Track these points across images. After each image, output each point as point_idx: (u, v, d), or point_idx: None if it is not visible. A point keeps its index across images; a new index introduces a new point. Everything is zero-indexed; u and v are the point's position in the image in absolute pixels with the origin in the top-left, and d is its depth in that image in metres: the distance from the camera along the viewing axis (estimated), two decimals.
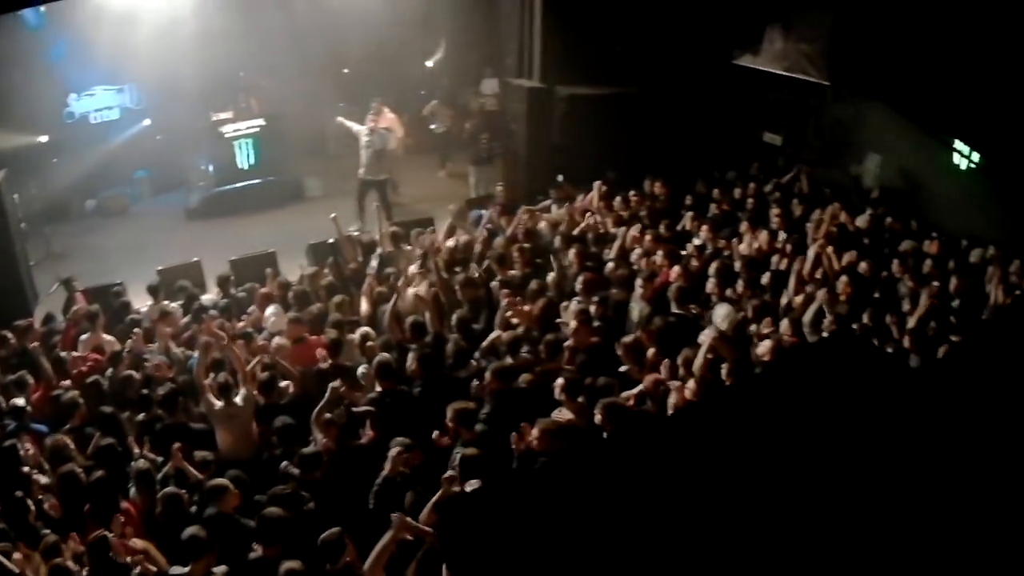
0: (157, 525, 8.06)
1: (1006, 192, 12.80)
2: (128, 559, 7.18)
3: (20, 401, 10.19)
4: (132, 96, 20.08)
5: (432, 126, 20.37)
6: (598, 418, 7.98)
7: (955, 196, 13.44)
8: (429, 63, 21.34)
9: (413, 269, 12.49)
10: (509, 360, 9.46)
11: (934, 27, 13.47)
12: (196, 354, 10.61)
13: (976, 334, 8.88)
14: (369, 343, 10.30)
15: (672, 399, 8.30)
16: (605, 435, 7.98)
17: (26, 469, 8.79)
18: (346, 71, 20.85)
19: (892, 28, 14.13)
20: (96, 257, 17.57)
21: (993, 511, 4.39)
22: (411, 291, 11.76)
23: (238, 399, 9.56)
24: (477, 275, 11.77)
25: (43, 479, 8.94)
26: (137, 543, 7.54)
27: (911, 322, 9.61)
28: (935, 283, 10.59)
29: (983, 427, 5.24)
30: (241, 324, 11.80)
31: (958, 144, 13.83)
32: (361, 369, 10.14)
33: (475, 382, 9.20)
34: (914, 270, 11.21)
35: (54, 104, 18.99)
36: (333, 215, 14.31)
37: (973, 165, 13.70)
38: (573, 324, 9.80)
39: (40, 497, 8.53)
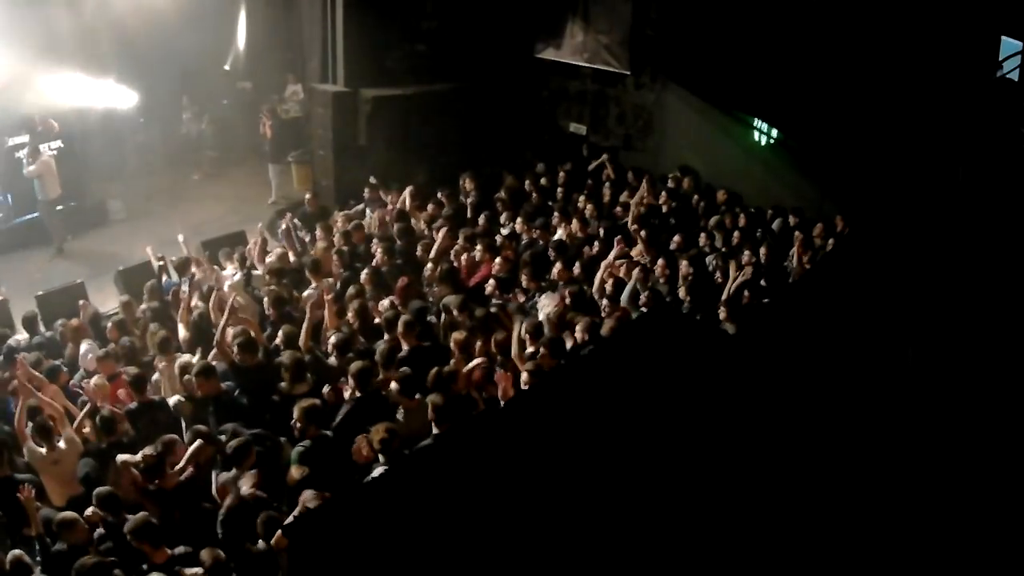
0: None
1: (803, 164, 13.42)
2: None
3: None
4: None
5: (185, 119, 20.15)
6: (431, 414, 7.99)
7: (757, 171, 13.98)
8: (226, 66, 20.76)
9: (232, 285, 12.14)
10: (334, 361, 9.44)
11: (727, 13, 13.99)
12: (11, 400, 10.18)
13: (784, 297, 9.27)
14: (187, 376, 9.69)
15: (501, 390, 8.36)
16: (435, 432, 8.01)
17: None
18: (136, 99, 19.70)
19: (687, 16, 14.59)
20: None
21: (809, 464, 4.60)
22: (240, 301, 11.35)
23: (61, 443, 9.03)
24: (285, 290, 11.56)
25: None
26: None
27: (725, 292, 9.94)
28: (746, 253, 11.07)
29: (800, 381, 5.48)
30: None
31: (757, 122, 14.36)
32: (173, 400, 9.71)
33: (326, 388, 9.10)
34: (723, 243, 11.67)
35: None
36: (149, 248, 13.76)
37: (772, 141, 14.25)
38: (400, 331, 9.70)
39: None
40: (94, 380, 10.09)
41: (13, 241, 17.35)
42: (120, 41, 18.51)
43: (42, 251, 17.08)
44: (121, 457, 8.51)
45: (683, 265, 10.79)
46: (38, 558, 7.76)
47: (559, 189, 14.28)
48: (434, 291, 11.33)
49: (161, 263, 13.30)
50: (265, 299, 11.30)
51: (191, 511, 7.84)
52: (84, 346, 11.37)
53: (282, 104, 19.68)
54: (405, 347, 9.57)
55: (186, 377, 9.64)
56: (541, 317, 9.99)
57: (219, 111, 20.86)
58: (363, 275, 11.62)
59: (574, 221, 12.51)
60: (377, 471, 7.49)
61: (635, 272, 10.41)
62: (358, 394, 8.69)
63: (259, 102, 19.96)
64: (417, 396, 8.53)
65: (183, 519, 7.82)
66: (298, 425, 8.17)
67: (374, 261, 12.32)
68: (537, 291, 10.75)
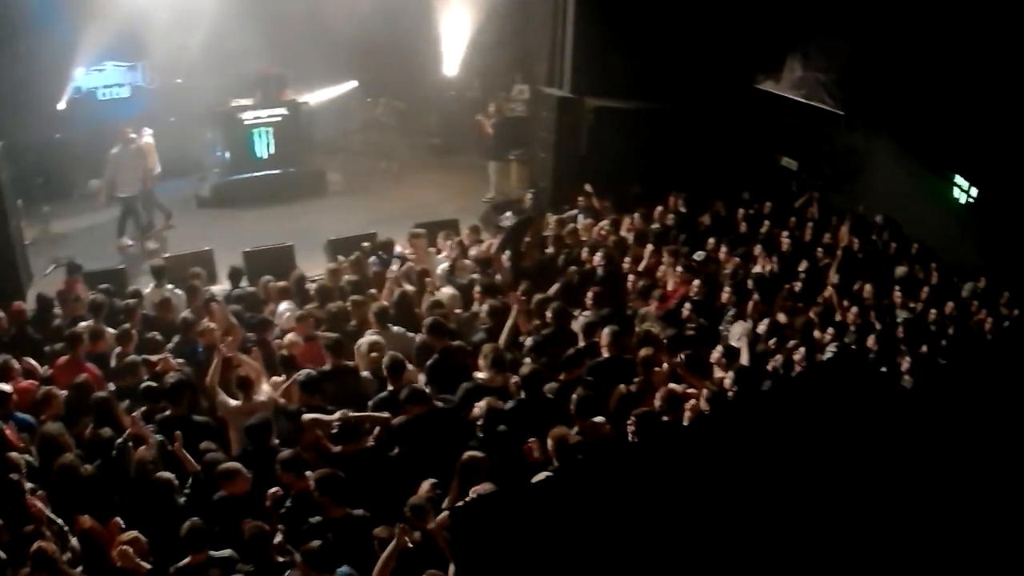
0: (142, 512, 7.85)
1: (998, 227, 13.30)
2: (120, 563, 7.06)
3: (6, 387, 9.66)
4: (144, 75, 19.45)
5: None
6: (630, 428, 8.07)
7: (951, 228, 13.94)
8: (448, 71, 21.34)
9: (440, 271, 12.69)
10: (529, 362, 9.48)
11: (941, 65, 13.96)
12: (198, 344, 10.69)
13: (967, 358, 9.46)
14: (374, 353, 9.83)
15: (688, 411, 8.55)
16: (630, 440, 8.05)
17: (15, 455, 8.31)
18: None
19: (903, 63, 14.57)
20: (99, 241, 16.78)
21: (984, 517, 4.80)
22: (446, 291, 11.94)
23: (260, 396, 9.23)
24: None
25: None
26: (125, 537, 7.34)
27: (910, 346, 10.10)
28: (932, 310, 11.29)
29: (975, 439, 5.68)
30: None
31: (958, 179, 14.22)
32: (365, 373, 9.92)
33: (514, 380, 9.17)
34: (911, 297, 11.84)
35: (58, 76, 18.35)
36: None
37: (971, 199, 14.07)
38: (605, 339, 9.79)
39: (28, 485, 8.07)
40: (288, 337, 10.52)
41: (227, 196, 18.48)
42: (353, 27, 19.07)
43: (251, 209, 17.91)
44: (308, 416, 8.68)
45: (871, 315, 11.03)
46: (187, 490, 7.98)
47: (764, 221, 14.38)
48: (632, 303, 11.56)
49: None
50: (478, 288, 11.59)
51: (364, 481, 7.89)
52: (283, 305, 11.79)
53: (508, 103, 20.10)
54: (605, 355, 9.68)
55: (373, 355, 9.83)
56: (732, 344, 10.12)
57: (446, 103, 21.53)
58: (564, 281, 11.95)
59: (774, 256, 12.71)
60: (543, 474, 7.54)
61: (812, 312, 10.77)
62: (523, 395, 8.84)
63: (486, 98, 20.52)
64: (597, 418, 8.50)
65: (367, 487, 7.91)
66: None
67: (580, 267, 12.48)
68: (733, 312, 11.00)
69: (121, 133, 16.58)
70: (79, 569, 7.32)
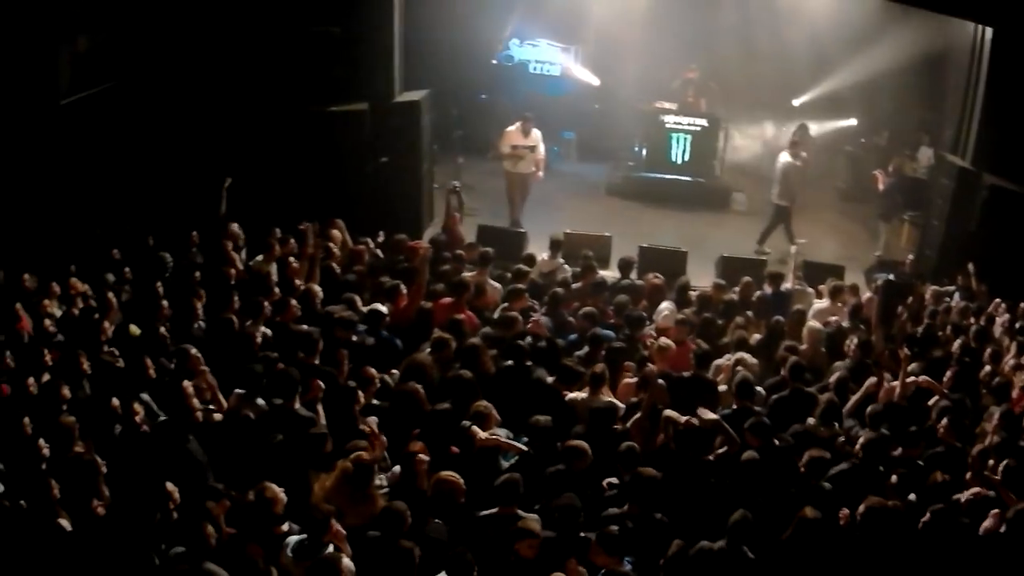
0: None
1: None
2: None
3: (382, 308, 10.49)
4: (576, 58, 21.15)
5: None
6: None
7: None
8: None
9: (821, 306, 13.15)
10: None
11: None
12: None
13: None
14: (738, 370, 10.27)
15: (987, 521, 8.23)
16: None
17: (372, 371, 9.13)
18: (796, 104, 21.70)
19: None
20: (501, 200, 18.13)
21: None
22: (811, 325, 12.43)
23: (606, 396, 9.59)
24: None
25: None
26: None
27: None
28: None
29: None
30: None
31: None
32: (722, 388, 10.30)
33: (840, 439, 9.54)
34: None
35: (492, 42, 20.38)
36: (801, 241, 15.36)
37: None
38: (943, 426, 9.75)
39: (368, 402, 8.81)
40: (661, 340, 10.92)
41: (635, 190, 19.97)
42: (779, 56, 20.19)
43: (655, 208, 19.30)
44: (669, 412, 9.00)
45: None
46: (510, 462, 8.33)
47: None
48: (984, 398, 11.08)
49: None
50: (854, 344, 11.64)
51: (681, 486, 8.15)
52: (664, 304, 12.37)
53: (911, 162, 20.21)
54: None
55: (738, 370, 10.34)
56: None
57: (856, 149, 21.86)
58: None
59: None
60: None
61: None
62: (858, 459, 9.00)
63: (891, 153, 20.59)
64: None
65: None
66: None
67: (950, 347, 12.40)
68: None
69: (795, 145, 18.15)
70: (385, 491, 7.86)
